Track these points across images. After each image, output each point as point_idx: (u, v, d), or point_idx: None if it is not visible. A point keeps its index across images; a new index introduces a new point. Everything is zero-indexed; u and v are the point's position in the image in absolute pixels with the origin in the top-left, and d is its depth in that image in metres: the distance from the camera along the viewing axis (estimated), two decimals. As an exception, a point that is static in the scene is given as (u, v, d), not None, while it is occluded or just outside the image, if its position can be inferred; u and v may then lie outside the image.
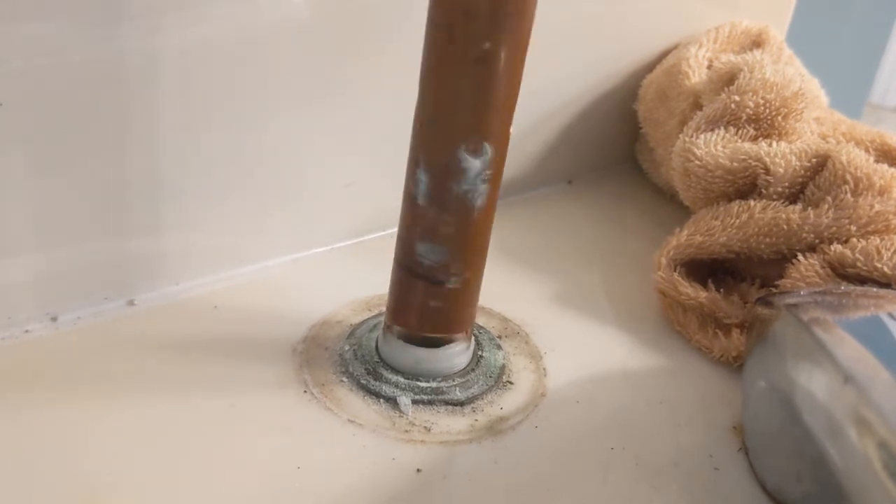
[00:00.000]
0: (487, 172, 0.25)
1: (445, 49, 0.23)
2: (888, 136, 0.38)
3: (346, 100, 0.33)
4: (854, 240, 0.31)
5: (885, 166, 0.32)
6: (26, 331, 0.28)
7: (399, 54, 0.32)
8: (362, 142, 0.35)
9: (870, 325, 0.25)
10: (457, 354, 0.28)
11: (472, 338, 0.29)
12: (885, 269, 0.29)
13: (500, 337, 0.31)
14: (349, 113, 0.34)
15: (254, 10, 0.29)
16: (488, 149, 0.24)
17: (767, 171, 0.33)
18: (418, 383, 0.28)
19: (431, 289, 0.26)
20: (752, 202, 0.33)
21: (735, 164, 0.34)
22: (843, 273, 0.30)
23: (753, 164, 0.33)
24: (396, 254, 0.27)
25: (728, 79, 0.37)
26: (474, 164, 0.24)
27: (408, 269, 0.26)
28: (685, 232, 0.34)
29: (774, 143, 0.34)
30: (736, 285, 0.34)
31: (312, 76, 0.32)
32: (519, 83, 0.24)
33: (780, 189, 0.33)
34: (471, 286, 0.27)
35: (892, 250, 0.29)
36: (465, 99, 0.24)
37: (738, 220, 0.33)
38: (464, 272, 0.26)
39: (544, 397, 0.29)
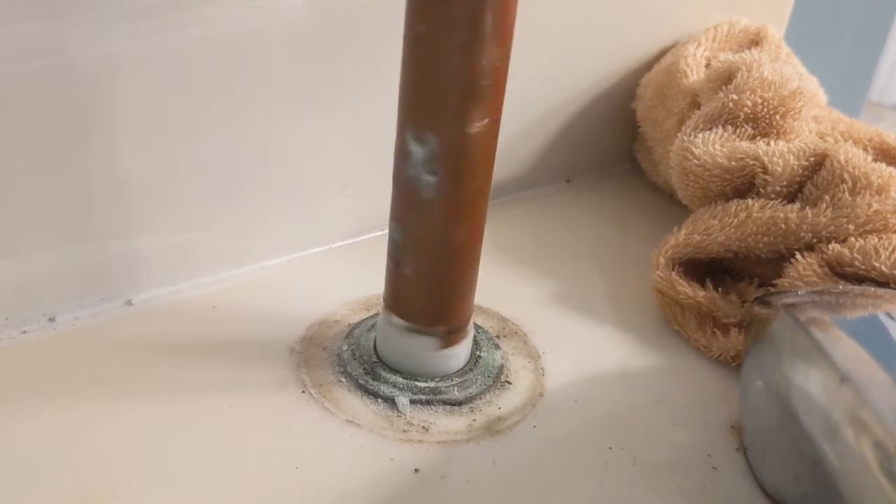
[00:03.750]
0: (431, 165, 0.24)
1: (404, 28, 0.23)
2: (886, 135, 0.38)
3: (344, 101, 0.33)
4: (852, 239, 0.31)
5: (884, 165, 0.32)
6: (24, 331, 0.28)
7: (396, 55, 0.32)
8: (360, 142, 0.35)
9: (867, 324, 0.25)
10: (428, 349, 0.27)
11: (456, 340, 0.28)
12: (883, 268, 0.29)
13: (498, 336, 0.31)
14: (347, 114, 0.34)
15: (253, 12, 0.29)
16: (433, 140, 0.24)
17: (765, 171, 0.33)
18: (416, 383, 0.28)
19: (395, 270, 0.27)
20: (750, 201, 0.33)
21: (733, 163, 0.34)
22: (841, 272, 0.30)
23: (751, 163, 0.33)
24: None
25: (726, 77, 0.37)
26: (418, 151, 0.24)
27: (390, 244, 0.27)
28: (683, 231, 0.34)
29: (772, 142, 0.34)
30: (734, 284, 0.34)
31: (310, 78, 0.32)
32: (476, 77, 0.23)
33: (778, 188, 0.33)
34: (426, 278, 0.26)
35: (889, 249, 0.29)
36: (408, 83, 0.23)
37: (736, 220, 0.33)
38: (415, 261, 0.26)
39: (542, 397, 0.29)
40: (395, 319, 0.27)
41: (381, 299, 0.28)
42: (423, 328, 0.27)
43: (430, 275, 0.26)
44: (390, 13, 0.32)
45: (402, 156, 0.25)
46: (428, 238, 0.26)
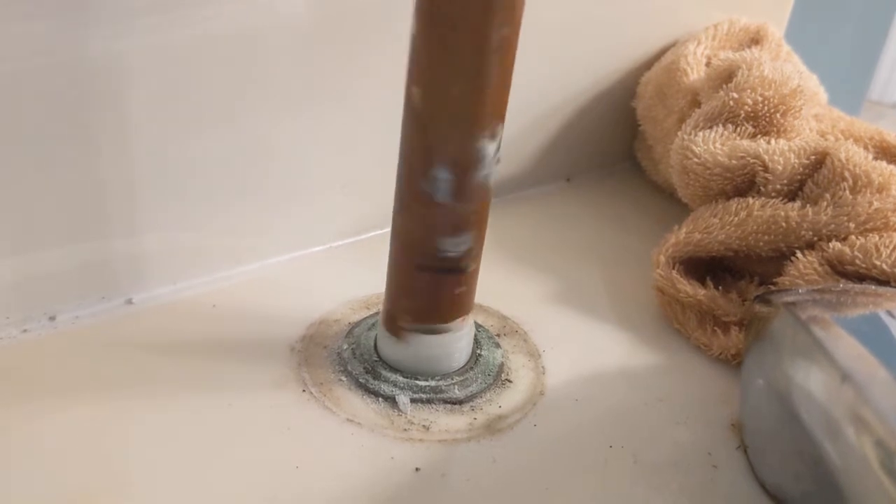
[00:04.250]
0: (499, 154, 0.25)
1: (459, 41, 0.23)
2: (887, 134, 0.38)
3: (344, 99, 0.33)
4: (853, 237, 0.31)
5: (884, 163, 0.32)
6: (24, 330, 0.28)
7: (395, 54, 0.32)
8: (360, 141, 0.35)
9: (868, 323, 0.25)
10: (469, 331, 0.28)
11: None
12: (884, 266, 0.29)
13: (498, 335, 0.31)
14: (347, 112, 0.34)
15: (253, 11, 0.29)
16: (501, 128, 0.24)
17: (766, 169, 0.33)
18: (417, 382, 0.28)
19: (457, 278, 0.26)
20: (750, 200, 0.33)
21: (734, 161, 0.34)
22: (842, 271, 0.30)
23: (752, 161, 0.33)
24: (409, 258, 0.26)
25: (726, 76, 0.37)
26: (491, 148, 0.24)
27: (430, 269, 0.26)
28: (684, 230, 0.34)
29: (773, 141, 0.34)
30: (734, 283, 0.34)
31: (310, 77, 0.32)
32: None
33: (778, 186, 0.33)
34: (479, 261, 0.27)
35: (890, 248, 0.29)
36: (487, 87, 0.23)
37: (736, 218, 0.33)
38: (480, 251, 0.27)
39: (543, 395, 0.29)
40: (439, 326, 0.27)
41: (397, 316, 0.28)
42: (454, 324, 0.27)
43: (477, 266, 0.27)
44: (389, 14, 0.32)
45: (470, 164, 0.24)
46: (486, 223, 0.26)
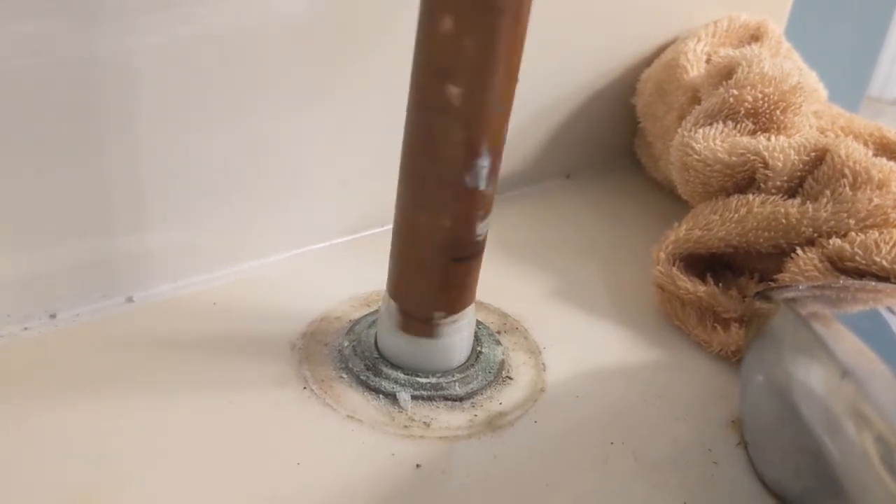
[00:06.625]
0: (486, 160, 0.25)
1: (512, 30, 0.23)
2: (887, 130, 0.38)
3: (343, 96, 0.33)
4: (853, 234, 0.31)
5: (884, 160, 0.32)
6: (25, 328, 0.28)
7: (392, 51, 0.32)
8: (359, 138, 0.35)
9: (868, 319, 0.25)
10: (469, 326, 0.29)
11: None
12: (884, 262, 0.29)
13: (499, 332, 0.31)
14: (346, 109, 0.34)
15: (249, 8, 0.29)
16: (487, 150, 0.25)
17: (766, 166, 0.33)
18: (417, 379, 0.28)
19: (480, 257, 0.27)
20: (750, 196, 0.33)
21: (734, 158, 0.34)
22: (842, 267, 0.30)
23: (752, 158, 0.33)
24: (443, 252, 0.26)
25: (726, 73, 0.37)
26: (485, 164, 0.25)
27: (465, 258, 0.26)
28: (684, 226, 0.34)
29: (773, 138, 0.34)
30: (735, 279, 0.34)
31: (308, 74, 0.32)
32: None
33: (778, 183, 0.33)
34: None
35: (890, 244, 0.29)
36: (499, 108, 0.24)
37: (736, 215, 0.33)
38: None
39: (543, 392, 0.29)
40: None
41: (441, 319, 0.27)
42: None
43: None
44: (385, 11, 0.32)
45: (465, 173, 0.25)
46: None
